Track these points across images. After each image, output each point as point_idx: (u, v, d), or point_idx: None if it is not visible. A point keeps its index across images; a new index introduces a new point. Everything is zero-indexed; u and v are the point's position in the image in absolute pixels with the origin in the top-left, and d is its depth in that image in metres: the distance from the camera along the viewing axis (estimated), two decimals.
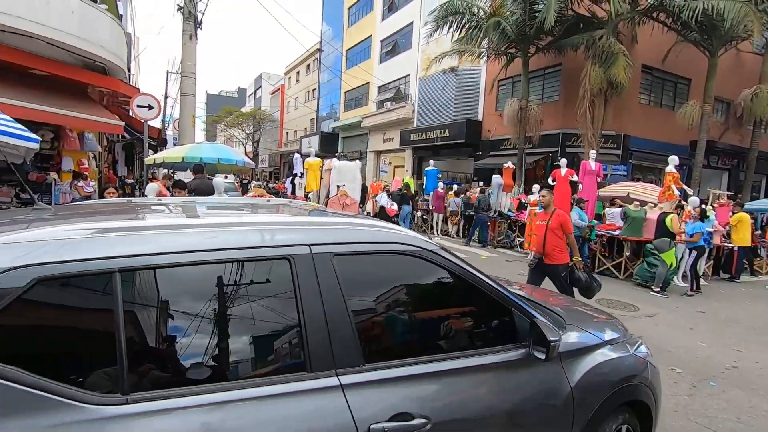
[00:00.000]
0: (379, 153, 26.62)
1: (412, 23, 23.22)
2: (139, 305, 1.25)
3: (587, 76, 12.98)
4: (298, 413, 1.29)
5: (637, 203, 8.53)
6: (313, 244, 1.47)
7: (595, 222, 9.45)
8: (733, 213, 9.90)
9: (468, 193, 13.38)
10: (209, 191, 5.97)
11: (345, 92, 30.35)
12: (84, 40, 7.52)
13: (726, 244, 9.92)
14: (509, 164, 12.03)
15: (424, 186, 15.16)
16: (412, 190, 14.23)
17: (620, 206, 9.67)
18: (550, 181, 10.72)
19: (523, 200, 12.13)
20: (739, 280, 9.77)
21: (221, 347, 1.32)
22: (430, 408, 1.48)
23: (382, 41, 26.42)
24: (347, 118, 29.49)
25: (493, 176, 11.50)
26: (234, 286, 1.37)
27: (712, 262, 9.88)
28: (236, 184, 14.79)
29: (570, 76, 15.22)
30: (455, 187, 14.03)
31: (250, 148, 44.93)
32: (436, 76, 20.71)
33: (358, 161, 8.84)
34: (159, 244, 1.27)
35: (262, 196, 5.19)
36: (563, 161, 10.46)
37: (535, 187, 10.41)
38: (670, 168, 8.59)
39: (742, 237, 9.64)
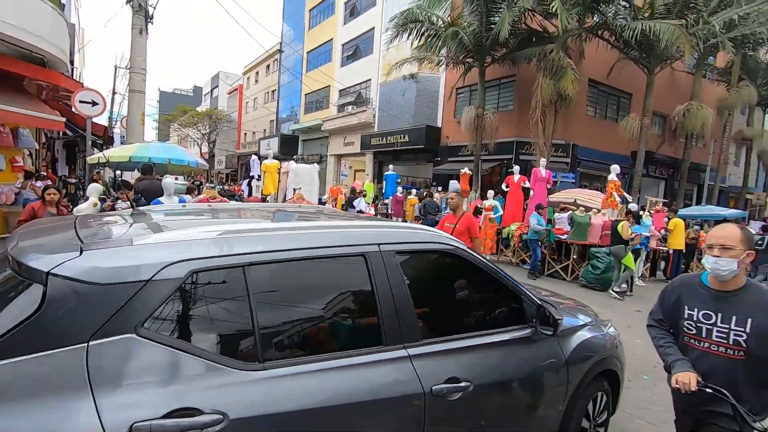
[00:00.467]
0: (339, 156, 26.53)
1: (373, 29, 23.41)
2: (264, 293, 1.54)
3: (539, 88, 13.62)
4: (381, 376, 1.64)
5: (583, 209, 9.04)
6: (381, 244, 1.83)
7: (550, 226, 9.92)
8: (669, 219, 10.71)
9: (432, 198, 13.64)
10: (158, 192, 5.73)
11: (305, 95, 30.07)
12: (20, 30, 6.98)
13: (662, 248, 10.70)
14: (466, 170, 12.39)
15: (383, 190, 15.27)
16: (372, 194, 14.28)
17: (568, 212, 10.19)
18: (503, 187, 11.14)
19: (479, 205, 12.49)
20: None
21: (323, 326, 1.71)
22: (471, 373, 1.87)
23: (343, 45, 26.43)
24: (308, 120, 29.21)
25: (451, 181, 11.76)
26: (329, 277, 1.77)
27: (649, 264, 10.63)
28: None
29: (523, 86, 15.90)
30: (414, 191, 14.23)
31: (205, 149, 43.40)
32: (396, 81, 20.97)
33: (316, 164, 8.77)
34: (276, 244, 1.61)
35: (214, 199, 5.03)
36: (516, 168, 10.90)
37: (490, 193, 10.78)
38: (612, 176, 9.17)
39: (678, 241, 10.45)
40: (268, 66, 36.92)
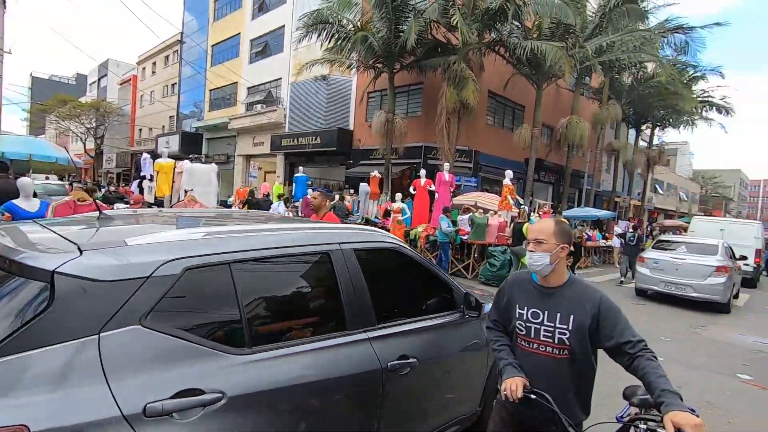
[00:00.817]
0: (248, 157, 25.31)
1: (283, 26, 22.77)
2: (248, 286, 1.72)
3: (444, 96, 14.34)
4: (346, 356, 1.92)
5: (481, 211, 9.69)
6: (342, 243, 2.10)
7: (456, 227, 10.46)
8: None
9: (345, 202, 13.55)
10: (13, 193, 4.87)
11: (210, 90, 28.19)
12: None
13: None
14: (375, 173, 12.58)
15: (293, 192, 14.87)
16: (278, 197, 13.81)
17: (469, 213, 10.86)
18: (411, 190, 11.50)
19: (388, 207, 12.76)
20: None
21: (298, 314, 1.97)
22: (417, 351, 2.21)
23: (252, 41, 25.30)
24: (213, 118, 27.42)
25: (361, 184, 11.88)
26: (301, 272, 2.05)
27: None
28: (67, 186, 12.37)
29: (430, 94, 16.64)
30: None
31: (91, 145, 38.48)
32: (308, 82, 20.61)
33: (214, 164, 8.18)
34: (256, 243, 1.79)
35: (83, 201, 4.39)
36: (422, 172, 11.33)
37: (398, 196, 11.04)
38: (506, 181, 9.98)
39: None
40: (167, 57, 33.92)
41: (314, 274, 2.09)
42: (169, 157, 10.58)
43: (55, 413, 1.21)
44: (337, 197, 13.59)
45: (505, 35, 15.45)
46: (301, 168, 15.16)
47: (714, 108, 24.91)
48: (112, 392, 1.29)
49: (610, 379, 2.95)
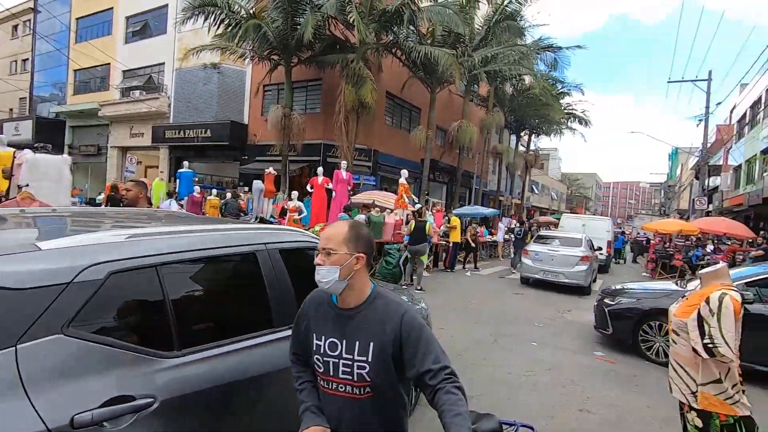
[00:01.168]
0: (124, 149, 22.41)
1: (167, 6, 20.55)
2: (175, 288, 1.73)
3: (342, 94, 14.24)
4: (274, 352, 1.93)
5: (378, 209, 9.77)
6: (267, 243, 2.12)
7: None
8: (448, 218, 12.62)
9: (239, 200, 12.60)
10: None
11: (75, 71, 24.34)
12: None
13: (442, 242, 12.52)
14: (270, 170, 11.97)
15: (177, 189, 13.48)
16: (163, 193, 12.39)
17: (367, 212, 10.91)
18: (308, 188, 11.16)
19: (285, 206, 12.25)
20: (453, 270, 12.47)
21: (225, 314, 2.03)
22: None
23: (128, 18, 22.41)
24: (79, 102, 23.73)
25: (254, 182, 11.19)
26: (227, 273, 2.12)
27: (432, 257, 12.29)
28: None
29: (329, 91, 16.41)
30: (214, 191, 13.00)
31: None
32: (196, 69, 18.90)
33: (66, 155, 6.89)
34: (182, 244, 1.79)
35: None
36: (320, 170, 11.08)
37: (294, 194, 10.64)
38: (402, 180, 10.22)
39: (456, 235, 12.43)
40: (14, 27, 28.40)
41: (241, 274, 2.14)
42: (10, 146, 8.72)
43: None
44: (229, 195, 12.66)
45: (402, 38, 15.90)
46: (186, 163, 13.80)
47: (576, 119, 28.83)
48: (34, 406, 1.23)
49: None
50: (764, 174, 19.73)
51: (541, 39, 22.12)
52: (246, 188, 15.32)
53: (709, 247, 15.31)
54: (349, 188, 11.13)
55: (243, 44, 15.26)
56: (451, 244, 12.45)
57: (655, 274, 14.84)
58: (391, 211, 10.21)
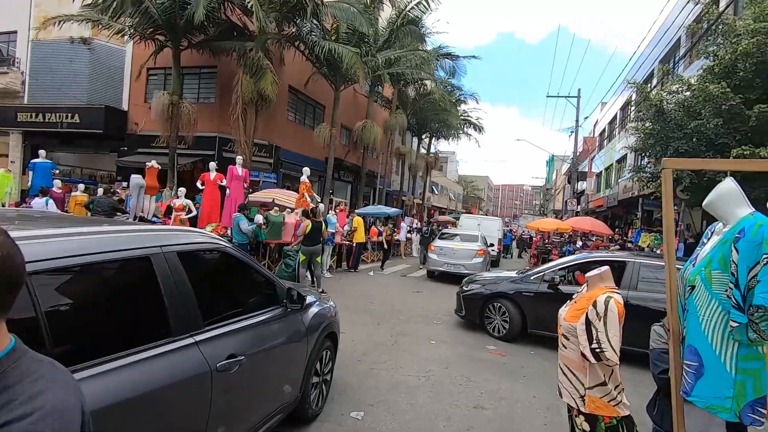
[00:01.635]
0: None
1: None
2: (54, 299, 1.55)
3: (239, 84, 13.24)
4: (174, 363, 1.87)
5: (277, 209, 9.21)
6: (162, 246, 1.99)
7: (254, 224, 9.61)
8: (351, 217, 12.46)
9: (115, 197, 10.85)
10: None
11: None
12: None
13: (345, 242, 12.35)
14: (153, 163, 10.61)
15: (30, 183, 11.28)
16: (9, 188, 10.23)
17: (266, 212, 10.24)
18: (198, 185, 10.13)
19: (171, 204, 10.97)
20: (357, 270, 12.35)
21: (116, 325, 1.84)
22: (244, 347, 2.32)
23: None
24: None
25: (132, 176, 9.80)
26: (118, 279, 1.91)
27: (335, 257, 12.05)
28: None
29: (225, 80, 15.19)
30: (81, 186, 11.12)
31: None
32: (60, 43, 16.16)
33: None
34: (63, 249, 1.57)
35: None
36: (212, 165, 10.12)
37: (181, 191, 9.56)
38: (303, 178, 9.79)
39: (360, 236, 12.33)
40: None
41: (134, 281, 1.96)
42: None
43: None
44: (100, 191, 10.92)
45: (305, 32, 15.37)
46: (42, 152, 11.60)
47: (471, 126, 30.96)
48: None
49: None
50: (619, 180, 23.21)
51: (441, 47, 23.24)
52: (124, 184, 13.44)
53: (579, 243, 17.47)
54: (246, 185, 10.35)
55: (120, 19, 13.39)
56: (354, 245, 12.34)
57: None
58: (292, 210, 9.72)
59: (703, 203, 1.82)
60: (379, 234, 14.99)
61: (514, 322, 6.24)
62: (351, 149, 21.20)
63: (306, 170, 9.96)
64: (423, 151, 31.86)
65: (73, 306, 1.66)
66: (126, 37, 14.92)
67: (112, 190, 11.10)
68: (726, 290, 1.68)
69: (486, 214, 56.81)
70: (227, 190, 9.85)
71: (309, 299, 3.35)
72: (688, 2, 11.08)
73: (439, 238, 13.19)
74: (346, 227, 12.61)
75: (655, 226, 18.44)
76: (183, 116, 13.86)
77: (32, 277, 1.39)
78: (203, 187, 9.94)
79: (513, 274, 7.05)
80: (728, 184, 1.77)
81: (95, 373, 1.53)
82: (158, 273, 1.88)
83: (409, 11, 18.38)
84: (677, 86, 10.47)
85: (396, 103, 22.47)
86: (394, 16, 18.85)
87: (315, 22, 15.33)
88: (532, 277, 6.47)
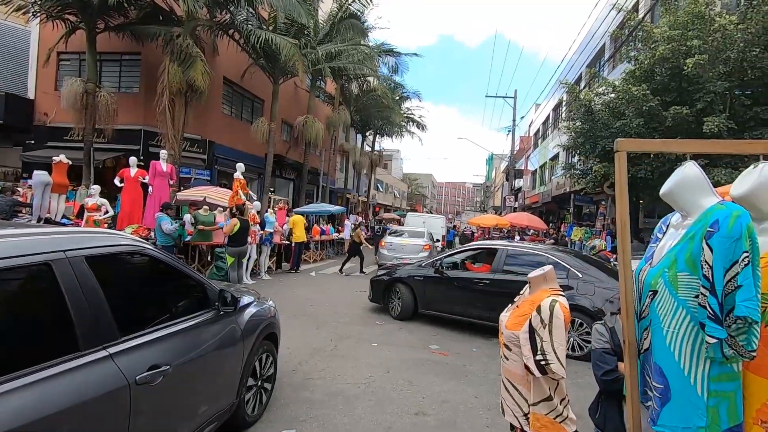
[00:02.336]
0: None
1: None
2: None
3: (166, 73, 12.20)
4: (82, 380, 1.68)
5: (207, 207, 8.51)
6: (67, 250, 1.79)
7: (182, 229, 8.81)
8: (289, 216, 11.92)
9: (16, 195, 9.45)
10: None
11: None
12: None
13: (285, 242, 11.79)
14: (61, 158, 9.37)
15: None
16: None
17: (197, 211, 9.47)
18: (117, 182, 9.14)
19: (85, 204, 9.82)
20: (299, 270, 11.84)
21: (11, 342, 1.61)
22: (169, 357, 2.15)
23: None
24: None
25: (35, 173, 8.60)
26: (10, 289, 1.67)
27: (275, 257, 11.47)
28: None
29: (150, 68, 13.97)
30: None
31: None
32: None
33: None
34: None
35: None
36: (132, 160, 9.16)
37: (94, 188, 8.55)
38: (237, 174, 9.15)
39: (299, 235, 11.82)
40: None
41: (31, 290, 1.76)
42: None
43: None
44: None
45: (240, 20, 14.50)
46: None
47: (415, 124, 31.25)
48: None
49: None
50: (552, 177, 24.50)
51: (383, 43, 23.15)
52: (30, 181, 11.89)
53: (517, 238, 18.17)
54: (172, 182, 9.50)
55: None
56: (293, 244, 11.83)
57: None
58: (225, 209, 9.05)
59: (661, 192, 1.58)
60: (322, 233, 14.55)
61: (406, 303, 7.01)
62: (292, 145, 20.48)
63: (240, 166, 9.32)
64: (367, 148, 31.67)
65: None
66: (30, 15, 13.20)
67: (12, 189, 9.71)
68: (696, 296, 1.39)
69: (430, 212, 57.94)
70: (150, 188, 8.96)
71: (244, 300, 3.30)
72: (612, 9, 11.77)
73: (389, 235, 14.73)
74: (286, 226, 12.06)
75: (585, 221, 19.62)
76: (101, 106, 12.54)
77: None
78: (122, 184, 8.97)
79: (425, 259, 7.95)
80: (691, 169, 1.52)
81: None
82: (61, 281, 1.71)
83: (350, 4, 18.06)
84: (603, 88, 11.08)
85: (339, 98, 22.06)
86: (335, 9, 18.43)
87: (251, 10, 14.54)
88: (424, 264, 7.26)
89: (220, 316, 2.79)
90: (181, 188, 12.66)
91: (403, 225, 19.42)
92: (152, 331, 2.16)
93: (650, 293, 1.54)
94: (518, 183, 32.21)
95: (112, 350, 1.86)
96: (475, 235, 23.29)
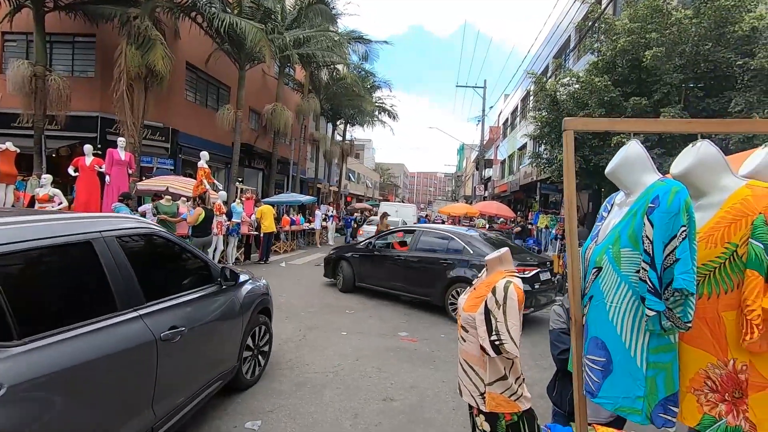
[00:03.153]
0: None
1: None
2: (11, 278, 1.80)
3: (123, 57, 11.60)
4: (121, 333, 2.16)
5: (169, 198, 8.19)
6: (102, 231, 2.26)
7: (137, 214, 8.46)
8: (257, 206, 11.67)
9: None
10: None
11: None
12: None
13: (253, 233, 11.56)
14: (8, 146, 8.75)
15: None
16: None
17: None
18: (71, 171, 8.66)
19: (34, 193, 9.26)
20: (268, 261, 11.64)
21: (69, 300, 2.11)
22: (184, 321, 2.64)
23: None
24: None
25: None
26: (66, 260, 2.11)
27: (243, 248, 11.24)
28: None
29: (106, 51, 13.26)
30: None
31: None
32: None
33: None
34: (18, 234, 1.85)
35: None
36: (87, 148, 8.69)
37: (45, 178, 8.06)
38: (202, 163, 8.86)
39: (268, 225, 11.60)
40: None
41: (79, 262, 2.15)
42: None
43: None
44: None
45: (203, 3, 13.90)
46: None
47: (386, 113, 31.11)
48: None
49: None
50: (520, 166, 25.04)
51: (353, 31, 22.79)
52: None
53: (486, 226, 18.51)
54: (131, 172, 9.08)
55: None
56: (262, 235, 11.62)
57: None
58: (188, 199, 8.76)
59: (606, 170, 1.63)
60: (292, 223, 14.35)
61: (347, 278, 8.09)
62: (261, 134, 19.99)
63: (204, 155, 9.01)
64: (338, 138, 31.34)
65: (26, 283, 1.90)
66: None
67: None
68: (637, 271, 1.42)
69: (402, 201, 58.15)
70: (107, 177, 8.54)
71: (242, 277, 3.74)
72: (576, 1, 12.01)
73: (365, 224, 16.91)
74: (254, 216, 11.82)
75: (551, 209, 20.20)
76: (52, 91, 11.82)
77: None
78: (77, 174, 8.51)
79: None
80: (634, 148, 1.56)
81: (55, 341, 1.80)
82: (100, 255, 2.16)
83: None
84: (568, 79, 11.34)
85: (308, 86, 21.64)
86: None
87: None
88: (361, 244, 8.55)
89: (223, 290, 3.30)
90: (143, 178, 12.17)
91: (377, 215, 19.82)
92: (169, 299, 2.62)
93: (594, 270, 1.58)
94: (488, 172, 32.77)
95: (141, 312, 2.31)
96: (446, 223, 23.60)
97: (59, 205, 8.28)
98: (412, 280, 7.14)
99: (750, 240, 1.37)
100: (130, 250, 2.37)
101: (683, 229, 1.34)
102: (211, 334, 3.02)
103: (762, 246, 1.35)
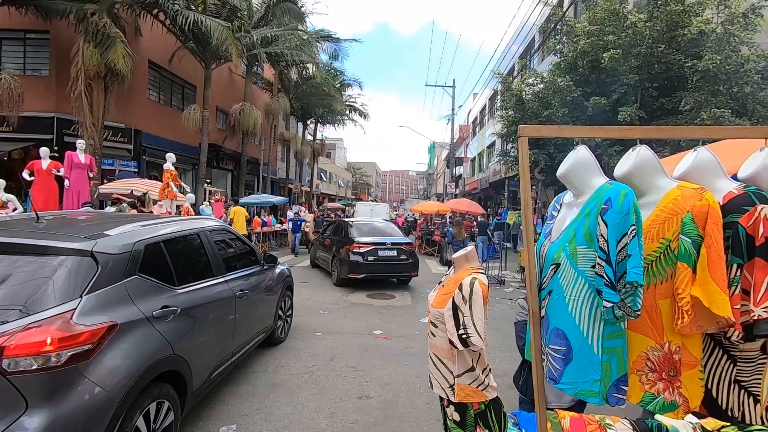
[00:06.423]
0: None
1: None
2: (174, 250, 3.16)
3: (81, 55, 11.13)
4: (218, 289, 3.51)
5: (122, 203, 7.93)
6: (203, 227, 3.73)
7: None
8: (228, 207, 11.46)
9: None
10: None
11: None
12: None
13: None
14: None
15: None
16: None
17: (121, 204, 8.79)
18: (26, 175, 8.25)
19: None
20: None
21: (191, 269, 3.40)
22: (246, 287, 4.00)
23: None
24: None
25: None
26: (191, 244, 3.52)
27: None
28: None
29: (61, 49, 12.65)
30: None
31: None
32: None
33: None
34: (162, 229, 3.11)
35: None
36: (44, 151, 8.29)
37: None
38: (168, 165, 8.60)
39: (240, 227, 11.40)
40: None
41: (196, 245, 3.53)
42: None
43: (120, 316, 2.36)
44: None
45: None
46: None
47: (356, 112, 31.08)
48: (137, 307, 2.51)
49: None
50: (489, 164, 25.58)
51: (322, 30, 22.64)
52: None
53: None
54: (92, 175, 8.73)
55: None
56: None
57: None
58: (155, 202, 8.50)
59: (558, 173, 1.78)
60: (263, 224, 14.16)
61: (312, 258, 11.42)
62: (229, 134, 19.56)
63: (170, 156, 8.76)
64: (309, 137, 31.06)
65: (175, 255, 3.14)
66: None
67: None
68: (593, 266, 1.57)
69: (375, 200, 58.21)
70: (66, 181, 8.18)
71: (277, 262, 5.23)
72: (539, 2, 12.39)
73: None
74: (225, 218, 11.59)
75: (519, 205, 20.75)
76: (2, 91, 11.15)
77: (162, 243, 2.97)
78: (32, 178, 8.11)
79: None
80: (583, 153, 1.70)
81: (193, 288, 3.14)
82: (203, 242, 3.57)
83: None
84: (533, 79, 11.69)
85: (277, 85, 21.35)
86: None
87: None
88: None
89: (264, 270, 4.65)
90: (105, 181, 11.72)
91: (353, 214, 20.58)
92: (237, 272, 3.96)
93: (552, 266, 1.71)
94: (459, 170, 33.27)
95: (225, 278, 3.66)
96: (418, 222, 23.82)
97: (14, 211, 7.88)
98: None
99: (680, 236, 1.53)
100: (214, 239, 3.77)
101: (633, 227, 1.49)
102: (260, 299, 4.39)
103: (690, 241, 1.51)
